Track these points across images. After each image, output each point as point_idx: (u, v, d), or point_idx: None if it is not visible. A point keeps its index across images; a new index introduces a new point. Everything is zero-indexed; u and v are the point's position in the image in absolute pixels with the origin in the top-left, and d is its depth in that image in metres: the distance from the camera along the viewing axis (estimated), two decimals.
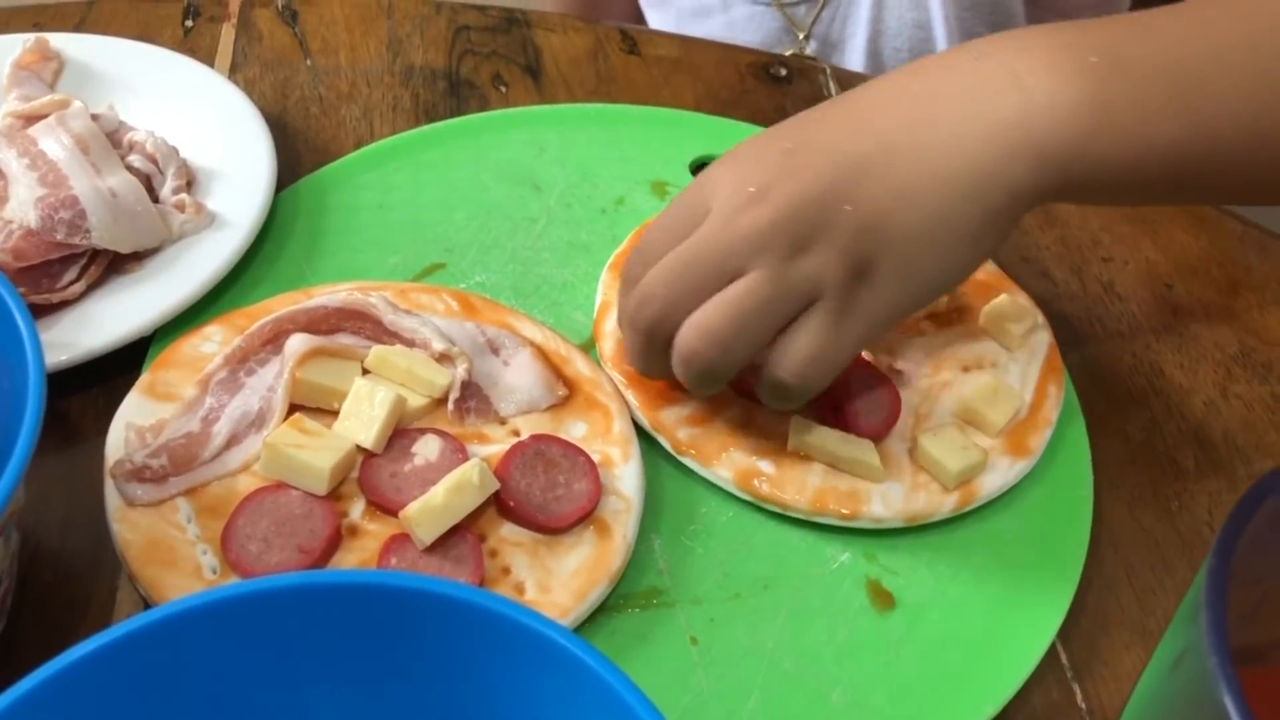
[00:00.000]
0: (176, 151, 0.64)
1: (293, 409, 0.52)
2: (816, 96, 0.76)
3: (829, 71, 0.78)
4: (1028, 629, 0.50)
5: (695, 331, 0.48)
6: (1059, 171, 0.48)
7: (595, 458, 0.52)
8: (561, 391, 0.55)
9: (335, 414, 0.52)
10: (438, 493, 0.48)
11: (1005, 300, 0.59)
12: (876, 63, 0.90)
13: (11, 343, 0.44)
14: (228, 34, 0.76)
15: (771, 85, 0.76)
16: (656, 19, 0.98)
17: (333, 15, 0.78)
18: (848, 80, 0.77)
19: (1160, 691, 0.34)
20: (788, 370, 0.48)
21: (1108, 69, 0.48)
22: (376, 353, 0.53)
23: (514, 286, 0.62)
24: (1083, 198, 0.52)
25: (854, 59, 0.90)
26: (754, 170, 0.48)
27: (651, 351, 0.51)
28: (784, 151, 0.49)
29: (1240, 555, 0.31)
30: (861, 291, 0.47)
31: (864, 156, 0.48)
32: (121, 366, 0.55)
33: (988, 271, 0.62)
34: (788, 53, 0.86)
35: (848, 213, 0.47)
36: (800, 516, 0.52)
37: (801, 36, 0.89)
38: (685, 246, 0.49)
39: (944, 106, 0.48)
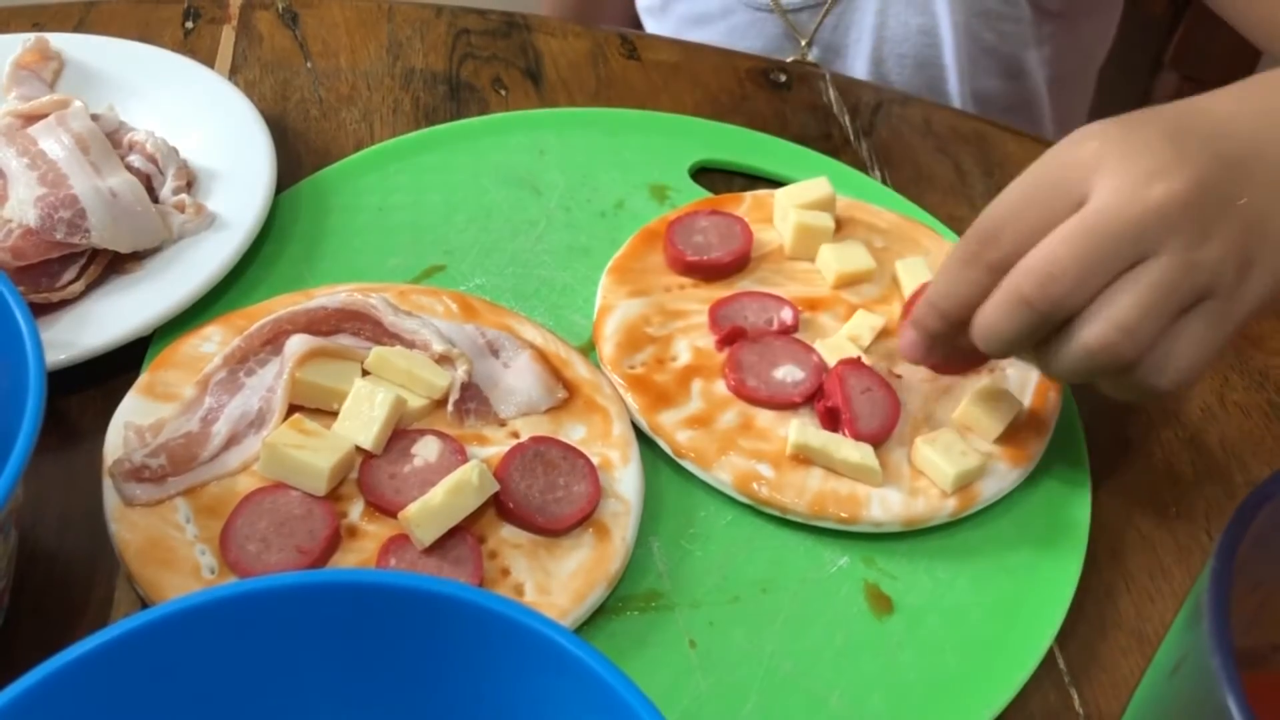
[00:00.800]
0: (176, 152, 0.64)
1: (292, 409, 0.52)
2: (816, 102, 0.76)
3: (829, 78, 0.78)
4: (1025, 634, 0.50)
5: (1110, 324, 0.46)
6: None
7: (595, 460, 0.52)
8: (561, 394, 0.55)
9: (335, 415, 0.52)
10: (437, 494, 0.48)
11: None
12: (880, 70, 0.90)
13: (11, 341, 0.44)
14: (228, 36, 0.76)
15: (771, 91, 0.77)
16: (654, 28, 0.97)
17: (333, 18, 0.78)
18: (848, 87, 0.77)
19: (1160, 696, 0.34)
20: (1175, 375, 0.47)
21: None
22: (376, 354, 0.53)
23: (514, 289, 0.62)
24: None
25: (858, 65, 0.90)
26: (1141, 150, 0.47)
27: (1037, 334, 0.48)
28: (1164, 134, 0.48)
29: (1241, 559, 0.31)
30: (1242, 289, 0.47)
31: (1240, 153, 0.48)
32: (121, 366, 0.55)
33: None
34: (789, 59, 0.86)
35: (1241, 206, 0.47)
36: (799, 520, 0.52)
37: (804, 43, 0.89)
38: (1091, 221, 0.46)
39: None
